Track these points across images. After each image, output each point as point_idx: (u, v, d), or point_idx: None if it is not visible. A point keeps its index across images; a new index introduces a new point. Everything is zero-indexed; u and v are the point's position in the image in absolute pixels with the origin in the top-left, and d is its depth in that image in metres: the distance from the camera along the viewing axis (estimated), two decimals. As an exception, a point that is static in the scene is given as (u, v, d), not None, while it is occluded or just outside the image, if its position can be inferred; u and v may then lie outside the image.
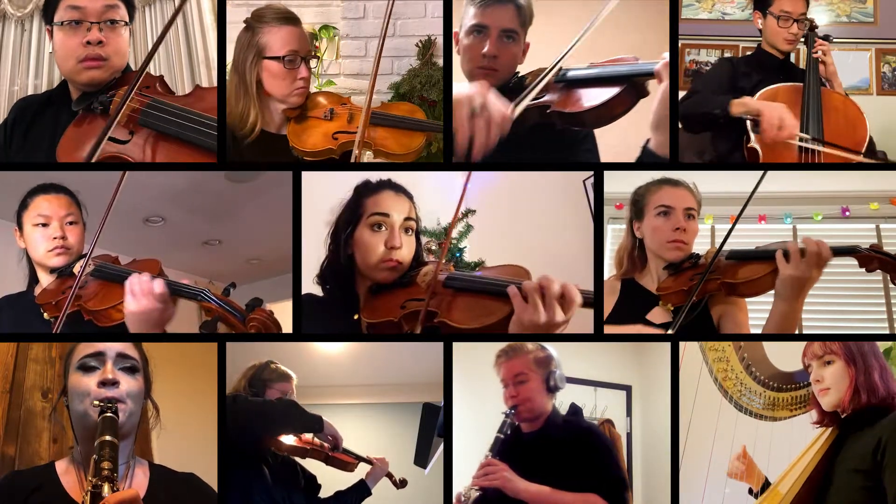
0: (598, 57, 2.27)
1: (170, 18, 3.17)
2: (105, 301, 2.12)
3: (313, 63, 2.41)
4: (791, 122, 2.55)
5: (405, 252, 2.03)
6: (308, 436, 2.36)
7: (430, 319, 1.91)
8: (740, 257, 2.25)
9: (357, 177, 2.32)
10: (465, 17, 2.32)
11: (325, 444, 2.38)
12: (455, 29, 2.37)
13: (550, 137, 2.30)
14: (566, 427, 2.27)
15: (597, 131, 2.37)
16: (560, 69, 2.24)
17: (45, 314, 2.22)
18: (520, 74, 2.35)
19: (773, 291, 2.17)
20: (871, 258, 2.14)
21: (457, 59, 2.38)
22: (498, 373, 2.30)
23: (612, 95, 2.14)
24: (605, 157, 2.41)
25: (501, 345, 2.30)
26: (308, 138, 2.38)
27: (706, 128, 2.73)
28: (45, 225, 2.29)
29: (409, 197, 2.10)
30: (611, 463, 2.19)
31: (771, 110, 2.55)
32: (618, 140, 2.40)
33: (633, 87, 2.16)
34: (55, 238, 2.28)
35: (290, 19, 2.39)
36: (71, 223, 2.31)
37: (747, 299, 2.32)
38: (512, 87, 2.31)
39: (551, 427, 2.26)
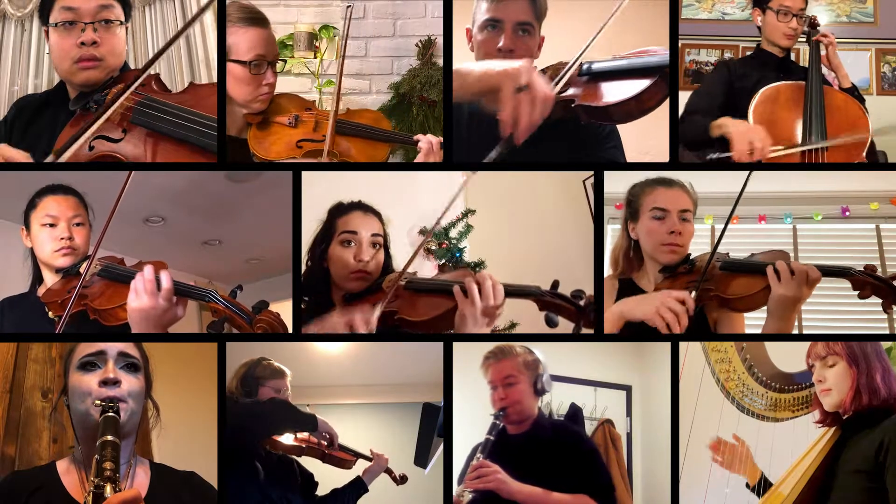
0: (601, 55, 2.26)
1: (181, 28, 3.13)
2: (111, 300, 2.11)
3: (279, 66, 2.33)
4: (761, 142, 2.49)
5: (373, 264, 2.19)
6: (304, 434, 2.36)
7: (391, 317, 2.08)
8: (734, 269, 2.21)
9: (357, 177, 2.37)
10: (478, 11, 2.29)
11: (322, 442, 2.38)
12: (467, 25, 2.33)
13: (574, 134, 2.28)
14: (552, 430, 2.30)
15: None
16: (581, 63, 2.22)
17: (50, 313, 2.21)
18: (538, 69, 2.30)
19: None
20: (865, 283, 2.10)
21: (470, 56, 2.34)
22: (485, 374, 2.31)
23: (644, 88, 2.14)
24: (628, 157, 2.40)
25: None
26: (271, 146, 2.32)
27: (703, 146, 2.72)
28: (52, 225, 2.28)
29: (378, 215, 2.25)
30: (595, 468, 2.23)
31: (740, 136, 2.50)
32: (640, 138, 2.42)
33: (664, 78, 2.14)
34: (62, 238, 2.27)
35: (258, 20, 2.30)
36: (78, 224, 2.30)
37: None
38: None
39: (538, 429, 2.28)
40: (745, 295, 2.15)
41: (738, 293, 2.16)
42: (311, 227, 2.30)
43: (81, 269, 2.20)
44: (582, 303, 2.00)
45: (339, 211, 2.24)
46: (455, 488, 2.22)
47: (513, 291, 2.02)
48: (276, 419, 2.28)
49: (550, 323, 2.00)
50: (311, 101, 2.43)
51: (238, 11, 2.30)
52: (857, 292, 2.13)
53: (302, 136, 2.33)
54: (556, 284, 2.03)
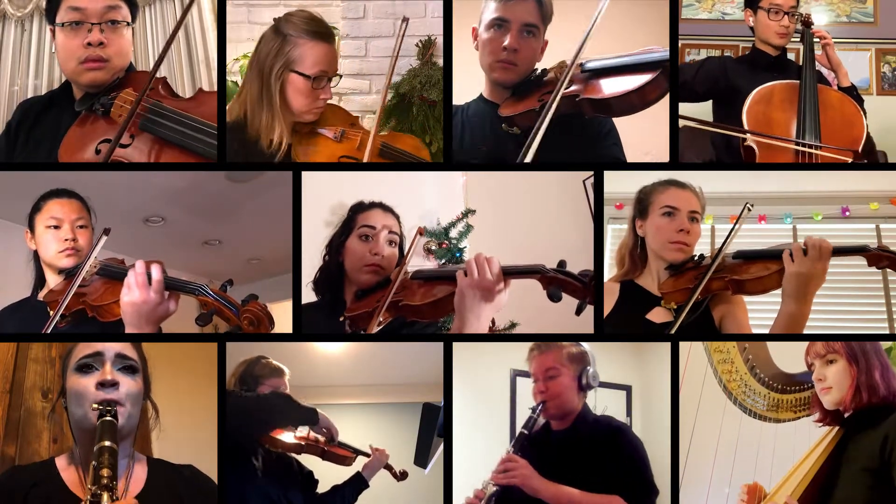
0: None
1: (177, 22, 3.12)
2: (107, 297, 2.13)
3: (334, 81, 2.34)
4: None
5: (387, 259, 2.24)
6: (303, 431, 2.36)
7: (396, 306, 2.14)
8: (747, 256, 2.25)
9: (356, 177, 2.46)
10: (486, 11, 2.36)
11: (321, 438, 2.39)
12: (473, 24, 2.40)
13: (578, 131, 2.35)
14: (596, 426, 2.25)
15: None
16: (581, 64, 2.29)
17: (52, 312, 2.21)
18: (538, 70, 2.40)
19: (779, 292, 2.17)
20: (881, 256, 2.17)
21: (474, 55, 2.41)
22: (529, 367, 2.29)
23: (646, 81, 2.21)
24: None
25: (507, 344, 2.30)
26: (313, 156, 2.37)
27: None
28: (56, 227, 2.30)
29: (396, 216, 2.32)
30: (639, 466, 2.17)
31: None
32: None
33: (665, 73, 2.20)
34: (66, 240, 2.30)
35: (326, 35, 2.32)
36: (81, 227, 2.33)
37: (750, 301, 2.31)
38: (532, 82, 2.37)
39: (581, 425, 2.24)
40: (762, 275, 2.17)
41: (753, 274, 2.18)
42: (314, 226, 2.36)
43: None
44: (588, 280, 1.99)
45: (360, 208, 2.32)
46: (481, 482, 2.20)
47: (517, 270, 2.03)
48: (278, 412, 2.28)
49: (554, 297, 2.00)
50: (355, 117, 2.48)
51: (306, 23, 2.30)
52: (872, 267, 2.19)
53: (345, 152, 2.38)
54: (562, 263, 2.04)
